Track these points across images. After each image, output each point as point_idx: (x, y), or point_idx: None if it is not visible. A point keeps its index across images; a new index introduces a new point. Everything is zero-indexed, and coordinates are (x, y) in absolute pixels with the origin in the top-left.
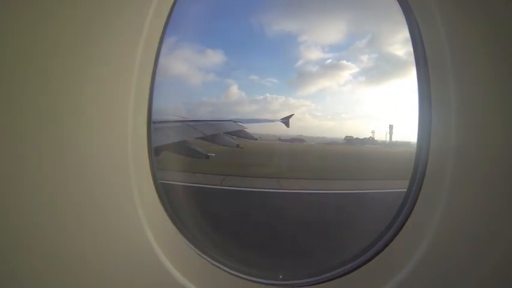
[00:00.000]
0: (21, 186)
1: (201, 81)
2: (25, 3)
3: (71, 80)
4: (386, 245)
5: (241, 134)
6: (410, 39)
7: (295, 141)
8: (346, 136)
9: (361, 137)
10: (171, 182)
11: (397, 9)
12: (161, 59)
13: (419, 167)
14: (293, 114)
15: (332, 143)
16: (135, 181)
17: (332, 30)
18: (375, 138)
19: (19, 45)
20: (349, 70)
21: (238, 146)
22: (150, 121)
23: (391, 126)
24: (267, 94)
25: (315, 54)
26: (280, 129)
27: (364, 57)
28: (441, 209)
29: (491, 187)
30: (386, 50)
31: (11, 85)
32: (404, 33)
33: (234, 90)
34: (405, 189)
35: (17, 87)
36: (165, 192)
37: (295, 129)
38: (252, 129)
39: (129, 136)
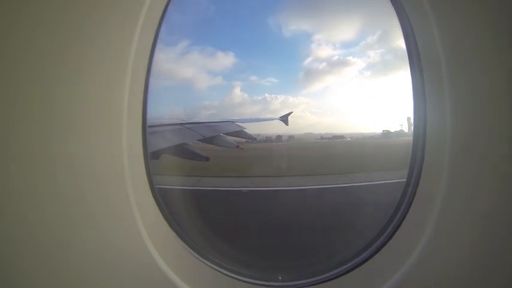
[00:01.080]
0: (14, 194)
1: (199, 83)
2: (17, 6)
3: (61, 84)
4: (383, 244)
5: (240, 134)
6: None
7: (336, 138)
8: (384, 130)
9: (392, 130)
10: (171, 187)
11: (389, 8)
12: (155, 61)
13: (415, 168)
14: (292, 112)
15: (372, 137)
16: (131, 187)
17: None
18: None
19: (9, 49)
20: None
21: (238, 146)
22: (145, 125)
23: (408, 118)
24: (266, 94)
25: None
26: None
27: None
28: (437, 208)
29: (488, 185)
30: (389, 47)
31: (1, 87)
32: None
33: (237, 92)
34: None
35: (7, 91)
36: (162, 197)
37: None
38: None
39: (124, 141)
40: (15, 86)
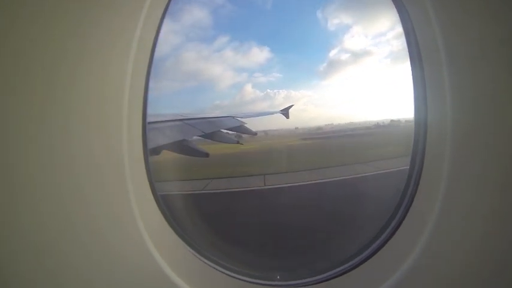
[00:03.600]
0: (13, 195)
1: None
2: (17, 3)
3: (61, 83)
4: (383, 244)
5: (240, 129)
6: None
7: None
8: None
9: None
10: (173, 186)
11: (390, 4)
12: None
13: (415, 166)
14: (293, 105)
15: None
16: (132, 187)
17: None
18: None
19: (10, 45)
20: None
21: (238, 142)
22: (145, 125)
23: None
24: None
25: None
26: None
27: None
28: (438, 208)
29: (489, 184)
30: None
31: (2, 85)
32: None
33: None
34: None
35: (6, 90)
36: (163, 198)
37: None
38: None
39: (124, 141)
40: (15, 85)
